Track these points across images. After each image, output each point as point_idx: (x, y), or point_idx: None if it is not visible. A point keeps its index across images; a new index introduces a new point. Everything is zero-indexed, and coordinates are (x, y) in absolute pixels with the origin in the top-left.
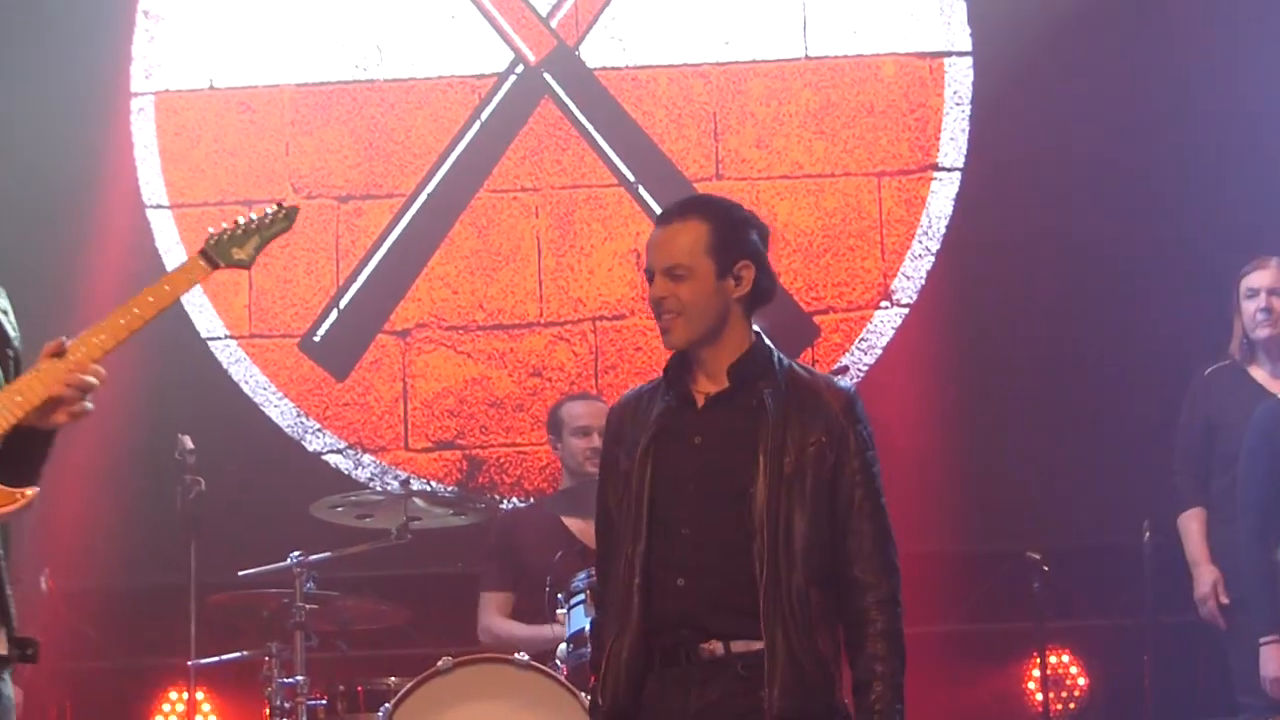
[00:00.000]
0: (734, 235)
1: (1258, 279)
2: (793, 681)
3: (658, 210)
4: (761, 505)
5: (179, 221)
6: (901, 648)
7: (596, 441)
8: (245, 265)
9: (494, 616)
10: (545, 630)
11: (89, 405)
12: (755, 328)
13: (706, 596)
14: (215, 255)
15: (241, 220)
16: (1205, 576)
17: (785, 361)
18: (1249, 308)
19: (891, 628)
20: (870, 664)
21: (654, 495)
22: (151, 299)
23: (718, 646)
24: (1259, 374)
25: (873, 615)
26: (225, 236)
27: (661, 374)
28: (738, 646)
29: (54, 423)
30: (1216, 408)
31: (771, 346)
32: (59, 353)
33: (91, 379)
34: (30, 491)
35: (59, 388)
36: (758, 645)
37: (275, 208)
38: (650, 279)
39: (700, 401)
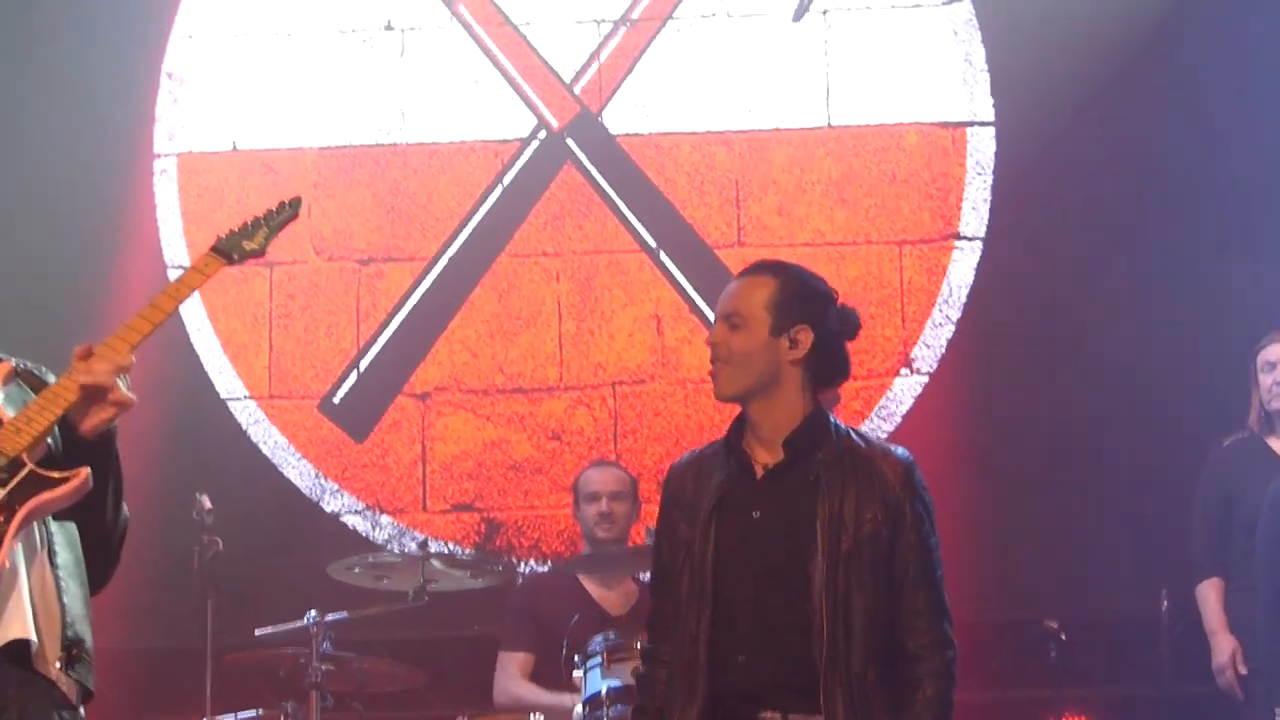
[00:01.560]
0: (799, 298)
1: (1275, 352)
2: None
3: (679, 276)
4: (820, 585)
5: None
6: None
7: (604, 506)
8: (259, 254)
9: (513, 677)
10: (564, 698)
11: (127, 391)
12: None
13: (767, 674)
14: (228, 249)
15: (250, 220)
16: (1223, 646)
17: (843, 430)
18: (1266, 380)
19: (941, 697)
20: None
21: (717, 570)
22: (170, 296)
23: (776, 716)
24: (1277, 445)
25: (924, 683)
26: (235, 232)
27: (724, 438)
28: (795, 719)
29: (97, 421)
30: (1235, 479)
31: (830, 415)
32: (88, 355)
33: (124, 360)
34: (83, 472)
35: (94, 376)
36: (816, 719)
37: (282, 203)
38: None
39: (759, 472)
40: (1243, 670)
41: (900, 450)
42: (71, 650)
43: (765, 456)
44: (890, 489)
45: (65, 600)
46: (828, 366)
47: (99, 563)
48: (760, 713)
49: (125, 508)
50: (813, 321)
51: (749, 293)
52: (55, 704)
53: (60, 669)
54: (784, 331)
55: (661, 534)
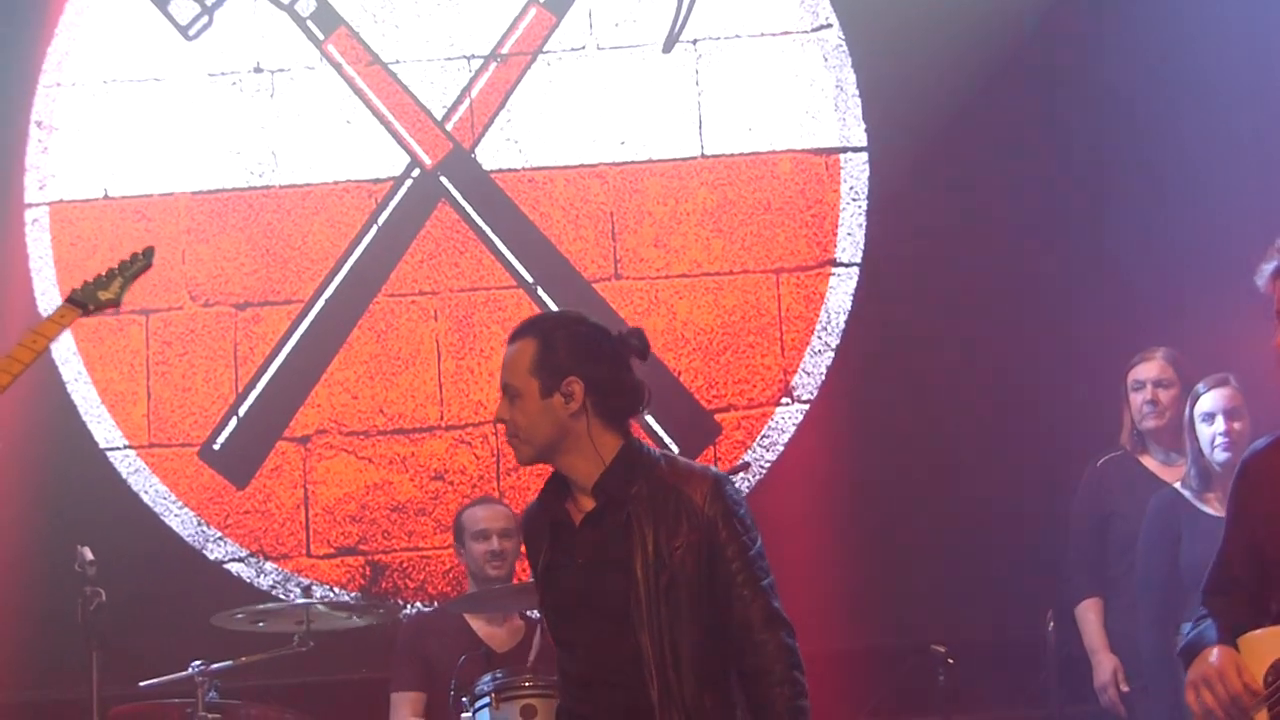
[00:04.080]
0: (560, 353)
1: (1143, 371)
2: None
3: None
4: (645, 622)
5: (75, 332)
6: None
7: (495, 544)
8: (114, 304)
9: (406, 718)
10: None
11: None
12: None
13: (606, 714)
14: (83, 299)
15: (104, 270)
16: (1105, 664)
17: (655, 460)
18: (1136, 399)
19: (792, 705)
20: None
21: (553, 619)
22: (26, 347)
23: None
24: (1150, 463)
25: (773, 697)
26: (90, 283)
27: (543, 490)
28: None
29: None
30: (1110, 497)
31: (640, 449)
32: None
33: None
34: None
35: None
36: None
37: (135, 253)
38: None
39: (578, 520)
40: (1124, 688)
41: (707, 469)
42: None
43: (584, 503)
44: (699, 510)
45: None
46: (614, 406)
47: None
48: None
49: None
50: (580, 371)
51: (514, 361)
52: None
53: None
54: (553, 390)
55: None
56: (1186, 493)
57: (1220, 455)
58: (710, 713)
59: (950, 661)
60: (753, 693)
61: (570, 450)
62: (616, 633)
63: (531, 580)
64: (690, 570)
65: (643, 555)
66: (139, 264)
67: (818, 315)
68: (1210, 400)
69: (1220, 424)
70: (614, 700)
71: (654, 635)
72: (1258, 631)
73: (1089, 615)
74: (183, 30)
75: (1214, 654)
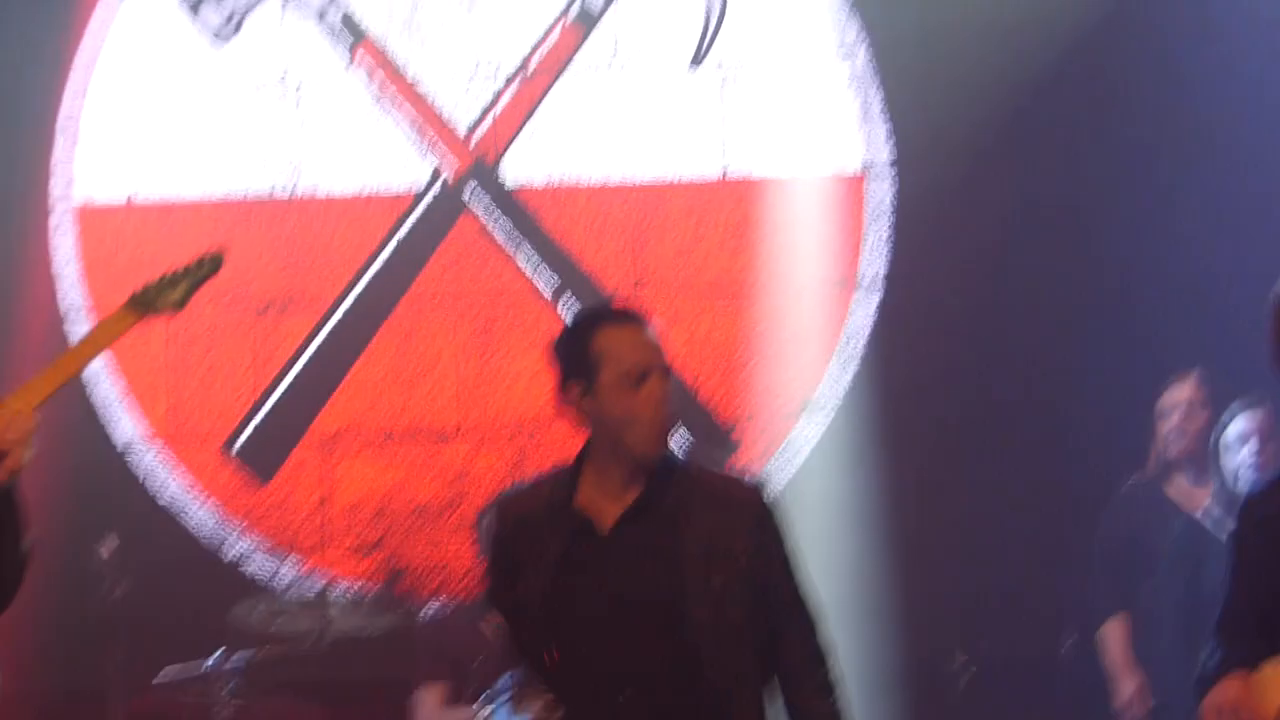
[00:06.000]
0: None
1: (1172, 398)
2: None
3: None
4: (699, 623)
5: None
6: None
7: None
8: (177, 308)
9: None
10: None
11: (28, 453)
12: None
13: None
14: (144, 303)
15: (168, 273)
16: (1127, 684)
17: (685, 463)
18: (1164, 424)
19: (832, 709)
20: None
21: (574, 636)
22: (82, 350)
23: None
24: (1177, 486)
25: (814, 703)
26: (153, 286)
27: (552, 497)
28: None
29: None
30: (1135, 521)
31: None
32: None
33: (30, 424)
34: None
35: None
36: None
37: (202, 257)
38: (642, 379)
39: (607, 523)
40: (1148, 705)
41: (749, 477)
42: None
43: (616, 503)
44: (751, 515)
45: None
46: None
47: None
48: None
49: (27, 541)
50: None
51: (658, 341)
52: None
53: None
54: None
55: (499, 576)
56: (1209, 521)
57: (1249, 477)
58: (749, 712)
59: (973, 670)
60: (795, 698)
61: None
62: (662, 638)
63: (494, 580)
64: (748, 573)
65: (695, 552)
66: (207, 269)
67: (839, 333)
68: (1242, 422)
69: (1252, 446)
70: (648, 704)
71: (709, 635)
72: (1273, 664)
73: (1112, 636)
74: (211, 35)
75: (1230, 684)
